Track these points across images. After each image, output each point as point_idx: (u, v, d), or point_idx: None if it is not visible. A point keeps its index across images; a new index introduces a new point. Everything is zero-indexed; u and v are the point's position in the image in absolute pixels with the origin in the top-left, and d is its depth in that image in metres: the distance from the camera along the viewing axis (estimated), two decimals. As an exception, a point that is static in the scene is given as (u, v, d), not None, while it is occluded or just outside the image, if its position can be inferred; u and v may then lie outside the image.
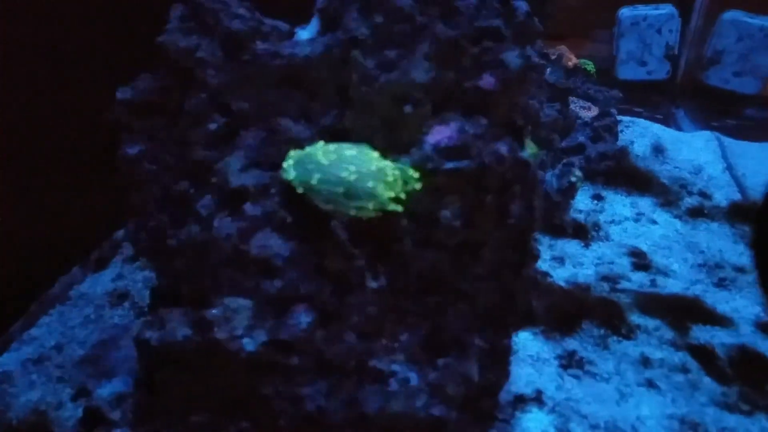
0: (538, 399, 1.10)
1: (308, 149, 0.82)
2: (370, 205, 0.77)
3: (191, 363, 0.87)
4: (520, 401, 1.09)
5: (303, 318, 0.85)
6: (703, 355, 1.24)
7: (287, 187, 0.89)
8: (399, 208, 0.78)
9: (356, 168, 0.77)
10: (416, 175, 0.80)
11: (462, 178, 0.82)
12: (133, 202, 0.96)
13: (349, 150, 0.79)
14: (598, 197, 1.86)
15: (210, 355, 0.85)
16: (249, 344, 0.84)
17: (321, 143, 0.83)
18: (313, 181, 0.78)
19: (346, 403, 0.84)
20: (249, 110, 0.95)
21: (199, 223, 0.92)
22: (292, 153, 0.84)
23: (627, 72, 2.95)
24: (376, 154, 0.80)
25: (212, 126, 0.96)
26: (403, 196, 0.79)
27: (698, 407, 1.11)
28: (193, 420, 0.93)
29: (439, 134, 0.82)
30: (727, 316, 1.36)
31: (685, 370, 1.20)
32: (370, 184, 0.77)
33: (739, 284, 1.48)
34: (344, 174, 0.78)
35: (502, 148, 0.83)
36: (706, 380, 1.18)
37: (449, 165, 0.81)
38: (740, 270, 1.53)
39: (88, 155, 1.29)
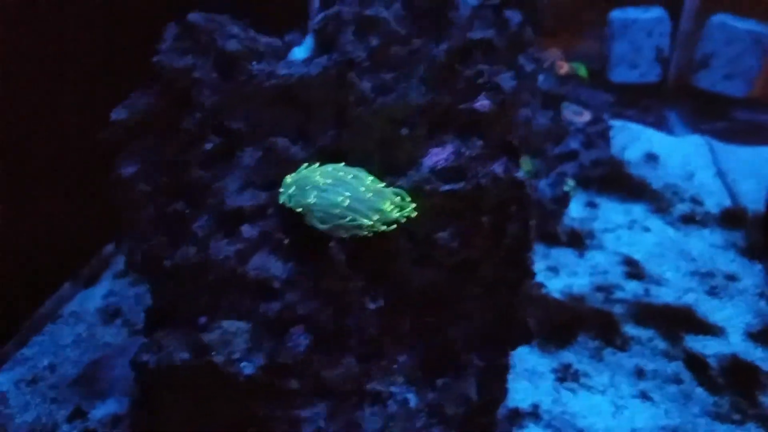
0: (534, 414, 1.11)
1: (306, 171, 0.82)
2: (364, 229, 0.77)
3: (189, 386, 0.87)
4: (517, 416, 1.10)
5: (301, 340, 0.85)
6: (695, 365, 1.25)
7: (284, 207, 0.89)
8: (392, 228, 0.78)
9: (352, 192, 0.78)
10: (412, 205, 0.80)
11: (459, 199, 0.82)
12: (128, 222, 0.96)
13: (346, 173, 0.79)
14: (591, 204, 1.88)
15: (208, 378, 0.85)
16: (247, 368, 0.84)
17: (317, 166, 0.83)
18: (310, 202, 0.78)
19: (345, 426, 0.85)
20: (245, 130, 0.95)
21: (195, 245, 0.91)
22: (290, 175, 0.84)
23: (619, 74, 2.96)
24: (371, 179, 0.80)
25: (208, 146, 0.95)
26: (399, 219, 0.79)
27: (691, 418, 1.13)
28: (190, 441, 0.93)
29: (436, 156, 0.82)
30: (719, 325, 1.37)
31: (678, 380, 1.21)
32: (365, 208, 0.77)
33: (730, 292, 1.50)
34: (340, 198, 0.78)
35: (498, 169, 0.83)
36: (699, 391, 1.19)
37: (446, 187, 0.81)
38: (731, 278, 1.55)
39: (75, 170, 1.28)
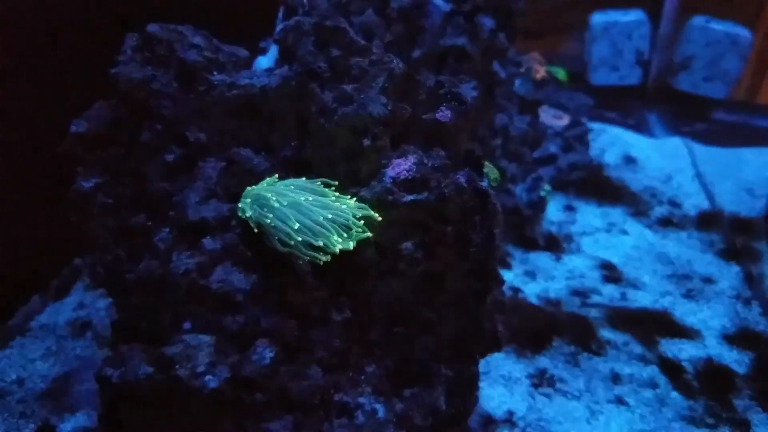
0: (509, 420, 1.10)
1: (263, 189, 0.81)
2: (320, 254, 0.76)
3: (153, 401, 0.86)
4: (491, 423, 1.09)
5: (266, 353, 0.83)
6: (671, 369, 1.25)
7: (246, 220, 0.88)
8: (350, 246, 0.77)
9: (306, 218, 0.76)
10: (367, 233, 0.78)
11: (422, 210, 0.81)
12: (89, 236, 0.94)
13: (303, 195, 0.78)
14: (569, 208, 1.88)
15: (172, 392, 0.84)
16: (211, 381, 0.82)
17: (275, 180, 0.82)
18: (267, 222, 0.77)
19: (312, 439, 0.83)
20: (207, 141, 0.94)
21: (157, 258, 0.90)
22: (248, 190, 0.83)
23: (599, 77, 2.97)
24: (331, 198, 0.78)
25: (169, 157, 0.94)
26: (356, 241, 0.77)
27: (665, 422, 1.13)
28: (156, 457, 0.92)
29: (398, 167, 0.81)
30: (695, 328, 1.38)
31: (653, 385, 1.21)
32: (319, 237, 0.76)
33: (706, 295, 1.50)
34: (295, 226, 0.76)
35: (461, 179, 0.82)
36: (674, 395, 1.19)
37: (409, 198, 0.81)
38: (708, 280, 1.56)
39: (44, 180, 1.26)
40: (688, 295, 1.50)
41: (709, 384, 1.22)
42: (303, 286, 0.85)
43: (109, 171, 0.94)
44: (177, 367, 0.84)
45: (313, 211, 0.75)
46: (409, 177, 0.81)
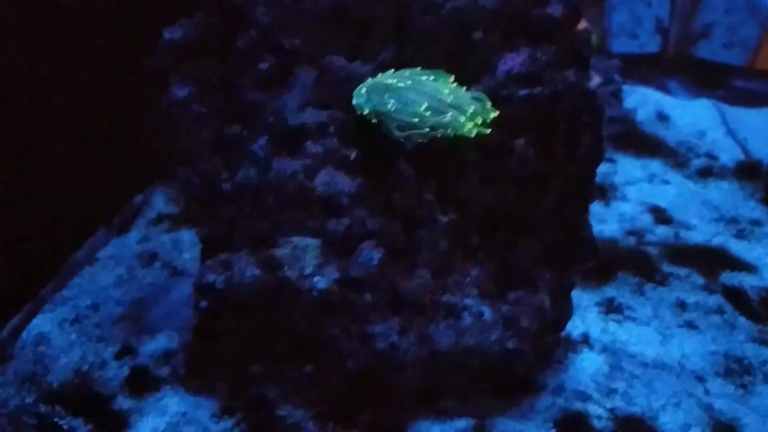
0: (586, 342, 1.11)
1: (381, 76, 0.80)
2: (448, 131, 0.75)
3: (258, 305, 0.85)
4: (570, 343, 1.10)
5: (374, 254, 0.83)
6: (735, 297, 1.26)
7: (348, 124, 0.87)
8: (473, 130, 0.76)
9: (433, 96, 0.75)
10: (494, 112, 0.77)
11: (535, 105, 0.81)
12: (183, 146, 0.92)
13: (425, 75, 0.77)
14: (610, 160, 1.88)
15: (279, 295, 0.83)
16: (320, 282, 0.82)
17: (391, 72, 0.81)
18: (389, 107, 0.76)
19: (419, 339, 0.83)
20: (301, 48, 0.93)
21: (256, 165, 0.89)
22: (361, 86, 0.82)
23: (619, 45, 2.98)
24: (451, 79, 0.78)
25: (263, 66, 0.93)
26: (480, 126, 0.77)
27: (738, 344, 1.14)
28: (252, 369, 0.91)
29: (511, 61, 0.81)
30: (752, 263, 1.39)
31: (720, 311, 1.22)
32: (448, 115, 0.75)
33: (757, 236, 1.52)
34: (420, 105, 0.75)
35: (572, 77, 0.82)
36: (741, 320, 1.20)
37: (523, 92, 0.80)
38: (756, 223, 1.57)
39: (106, 122, 1.24)
40: (740, 235, 1.51)
41: (774, 311, 1.23)
42: (408, 187, 0.85)
43: (203, 80, 0.92)
44: (286, 268, 0.83)
45: (437, 91, 0.74)
46: (523, 71, 0.81)
